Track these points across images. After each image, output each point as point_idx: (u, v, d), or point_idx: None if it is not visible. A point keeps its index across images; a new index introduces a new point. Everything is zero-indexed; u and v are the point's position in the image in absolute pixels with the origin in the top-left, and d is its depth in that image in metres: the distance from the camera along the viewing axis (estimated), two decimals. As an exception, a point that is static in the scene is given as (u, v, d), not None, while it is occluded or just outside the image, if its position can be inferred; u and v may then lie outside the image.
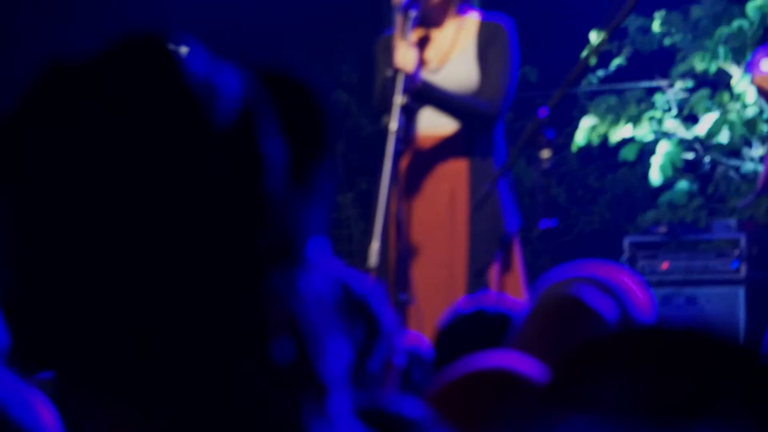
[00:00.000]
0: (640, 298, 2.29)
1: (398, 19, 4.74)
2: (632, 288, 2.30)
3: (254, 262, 1.02)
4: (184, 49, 1.05)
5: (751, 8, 8.00)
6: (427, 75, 4.81)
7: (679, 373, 1.05)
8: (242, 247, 1.02)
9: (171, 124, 1.02)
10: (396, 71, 4.65)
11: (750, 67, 4.68)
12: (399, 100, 4.61)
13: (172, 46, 1.05)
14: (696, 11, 8.36)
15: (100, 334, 1.02)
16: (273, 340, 1.04)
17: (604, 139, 8.39)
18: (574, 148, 8.55)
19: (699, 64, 8.12)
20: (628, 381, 1.04)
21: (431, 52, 4.91)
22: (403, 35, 4.70)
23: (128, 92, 1.03)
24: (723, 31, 8.07)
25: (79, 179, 1.02)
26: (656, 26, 8.42)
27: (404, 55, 4.65)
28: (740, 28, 8.05)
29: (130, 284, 1.01)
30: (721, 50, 8.00)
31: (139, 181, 1.01)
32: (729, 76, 8.21)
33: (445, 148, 4.84)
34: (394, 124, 4.58)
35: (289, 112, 1.06)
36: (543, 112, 4.49)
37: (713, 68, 8.16)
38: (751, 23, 8.04)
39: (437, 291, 4.72)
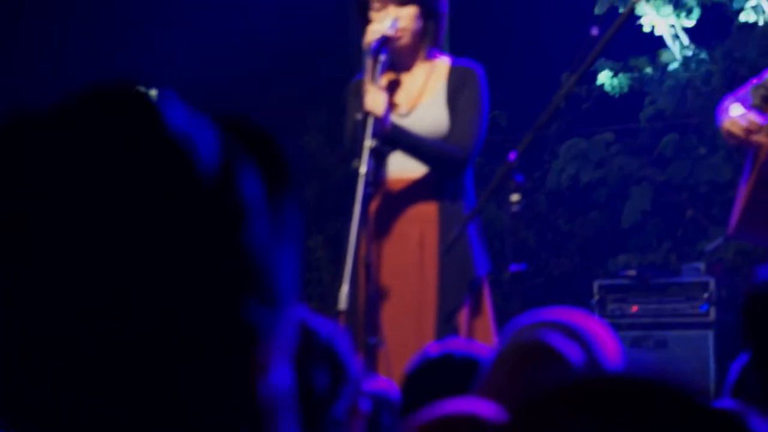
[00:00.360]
0: (608, 344, 2.29)
1: (368, 62, 4.75)
2: (600, 334, 2.30)
3: (238, 310, 1.04)
4: (162, 99, 1.06)
5: (719, 54, 8.07)
6: (397, 119, 4.82)
7: (635, 422, 1.05)
8: (229, 297, 1.04)
9: (155, 174, 1.03)
10: (366, 115, 4.65)
11: (718, 113, 4.71)
12: (368, 143, 4.62)
13: (151, 96, 1.06)
14: (665, 56, 8.42)
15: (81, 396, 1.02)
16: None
17: (574, 182, 8.42)
18: (548, 187, 8.59)
19: (668, 108, 8.18)
20: (588, 428, 1.04)
21: (402, 96, 4.92)
22: (373, 79, 4.71)
23: (111, 142, 1.03)
24: (692, 75, 8.14)
25: (59, 229, 1.02)
26: (625, 69, 8.48)
27: (374, 99, 4.66)
28: (708, 73, 8.11)
29: (111, 346, 1.02)
30: (689, 94, 8.06)
31: (124, 232, 1.02)
32: (698, 119, 8.27)
33: (415, 192, 4.84)
34: (363, 168, 4.58)
35: (258, 161, 1.08)
36: (512, 156, 4.50)
37: (681, 110, 8.21)
38: (719, 68, 8.10)
39: (406, 335, 4.71)
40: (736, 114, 4.55)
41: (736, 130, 4.49)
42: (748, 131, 4.47)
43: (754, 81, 4.80)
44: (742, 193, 4.62)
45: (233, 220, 1.04)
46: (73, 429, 1.02)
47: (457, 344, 2.88)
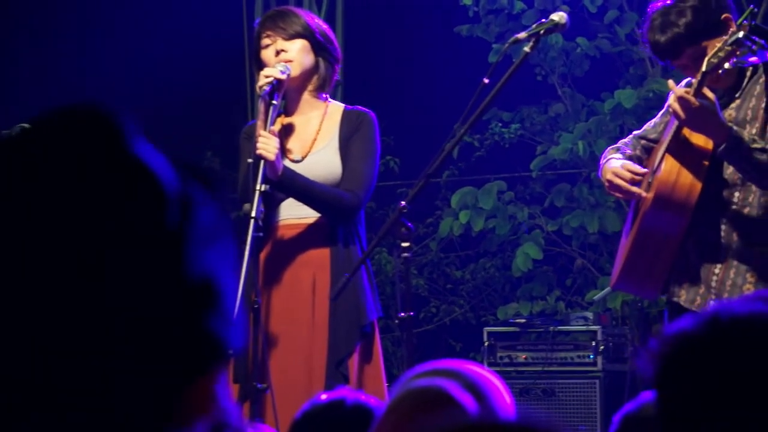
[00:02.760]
0: (501, 394, 2.30)
1: (260, 107, 4.74)
2: (493, 385, 2.31)
3: (202, 323, 1.11)
4: (125, 124, 1.12)
5: (608, 105, 8.19)
6: (290, 164, 4.81)
7: None
8: (193, 312, 1.11)
9: (125, 194, 1.08)
10: (257, 159, 4.63)
11: (600, 164, 4.77)
12: (259, 188, 4.60)
13: (117, 122, 1.11)
14: (555, 107, 8.54)
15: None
16: None
17: (466, 229, 8.47)
18: (439, 235, 8.62)
19: (558, 157, 8.27)
20: None
21: (295, 142, 4.91)
22: (265, 123, 4.69)
23: (80, 164, 1.08)
24: (581, 126, 8.25)
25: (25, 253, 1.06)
26: (517, 119, 8.57)
27: (265, 144, 4.65)
28: (597, 124, 8.23)
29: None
30: (580, 144, 8.16)
31: (101, 250, 1.07)
32: (589, 170, 8.37)
33: (308, 237, 4.83)
34: (253, 212, 4.56)
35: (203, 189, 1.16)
36: (403, 203, 4.51)
37: (572, 161, 8.31)
38: (607, 119, 8.23)
39: (296, 381, 4.68)
40: (616, 164, 4.60)
41: (617, 181, 4.54)
42: (632, 181, 4.52)
43: (635, 132, 4.87)
44: (623, 245, 4.67)
45: (191, 241, 1.10)
46: None
47: (347, 392, 2.86)
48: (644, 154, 4.70)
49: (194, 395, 1.12)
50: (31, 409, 1.06)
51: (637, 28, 8.33)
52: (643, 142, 4.73)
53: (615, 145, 4.82)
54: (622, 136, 8.43)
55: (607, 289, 7.65)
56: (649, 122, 4.88)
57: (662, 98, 8.22)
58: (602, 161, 4.71)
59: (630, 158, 4.66)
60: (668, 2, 4.44)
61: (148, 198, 1.10)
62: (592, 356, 7.04)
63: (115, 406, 1.07)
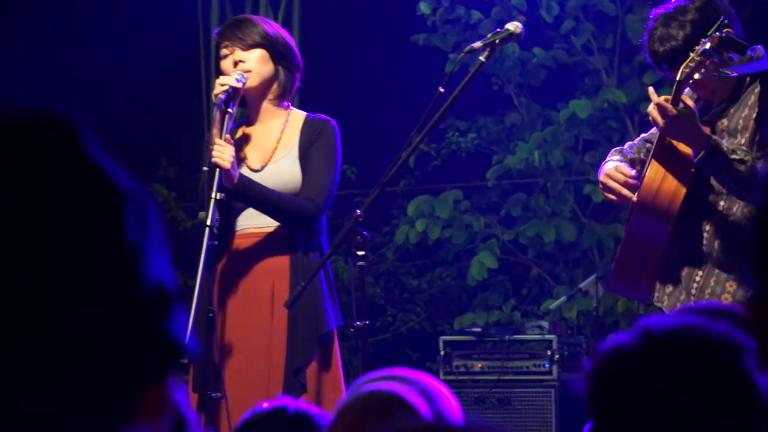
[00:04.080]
0: (449, 400, 2.31)
1: (216, 115, 4.72)
2: (441, 390, 2.31)
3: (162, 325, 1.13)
4: (81, 129, 1.13)
5: (563, 115, 8.22)
6: (251, 173, 4.79)
7: None
8: (150, 315, 1.13)
9: (84, 201, 1.08)
10: (213, 167, 4.62)
11: (600, 167, 4.72)
12: (214, 196, 4.58)
13: (76, 129, 1.12)
14: (511, 117, 8.56)
15: None
16: None
17: (422, 238, 8.48)
18: (395, 243, 8.62)
19: (514, 166, 8.30)
20: None
21: (256, 150, 4.89)
22: (221, 131, 4.67)
23: (38, 167, 1.08)
24: (536, 135, 8.28)
25: None
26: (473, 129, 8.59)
27: (220, 152, 4.63)
28: (553, 133, 8.26)
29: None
30: (536, 154, 8.19)
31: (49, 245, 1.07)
32: (545, 179, 8.40)
33: (267, 245, 4.81)
34: (208, 220, 4.53)
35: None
36: (359, 212, 4.51)
37: (528, 171, 8.34)
38: (563, 129, 8.26)
39: (254, 389, 4.65)
40: (610, 166, 4.59)
41: (610, 183, 4.54)
42: (624, 183, 4.51)
43: (642, 135, 4.84)
44: (619, 248, 4.67)
45: (147, 247, 1.12)
46: None
47: (288, 400, 2.85)
48: (648, 157, 4.69)
49: (147, 401, 1.12)
50: None
51: (593, 39, 8.37)
52: (648, 145, 4.72)
53: (619, 147, 4.81)
54: (578, 146, 8.49)
55: (563, 299, 7.68)
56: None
57: (617, 108, 8.28)
58: (603, 163, 4.70)
59: (632, 161, 4.65)
60: (670, 9, 4.43)
61: (107, 204, 1.10)
62: (547, 365, 7.05)
63: (66, 410, 1.07)
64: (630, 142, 4.82)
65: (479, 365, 7.20)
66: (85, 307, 1.08)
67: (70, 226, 1.08)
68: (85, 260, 1.08)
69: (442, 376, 7.07)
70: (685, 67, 4.22)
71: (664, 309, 4.52)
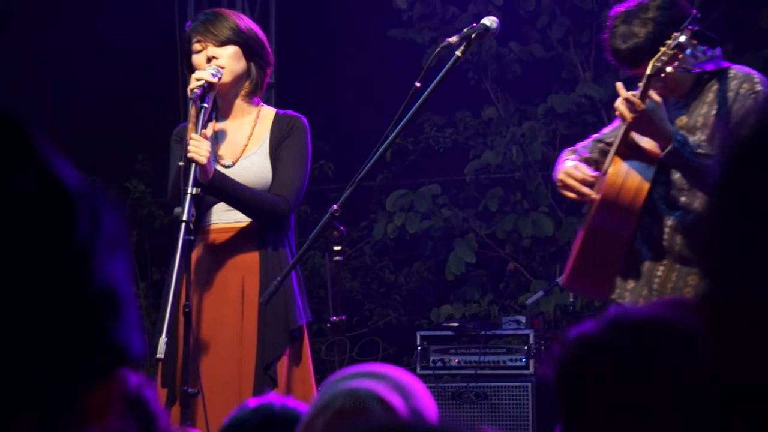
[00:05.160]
0: (425, 396, 2.31)
1: (191, 110, 4.71)
2: (417, 386, 2.32)
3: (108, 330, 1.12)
4: (36, 132, 1.12)
5: (540, 109, 8.24)
6: (222, 169, 4.78)
7: None
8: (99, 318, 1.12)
9: (33, 202, 1.07)
10: (188, 162, 4.61)
11: (555, 166, 4.75)
12: (190, 191, 4.57)
13: (26, 128, 1.11)
14: (488, 112, 8.57)
15: None
16: None
17: (400, 233, 8.48)
18: (374, 237, 8.62)
19: (492, 161, 8.30)
20: None
21: (227, 146, 4.89)
22: (196, 127, 4.66)
23: None
24: (514, 130, 8.29)
25: None
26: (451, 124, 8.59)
27: (196, 147, 4.62)
28: (530, 128, 8.27)
29: None
30: (514, 149, 8.20)
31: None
32: (522, 174, 8.41)
33: (238, 241, 4.81)
34: (184, 215, 4.53)
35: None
36: (335, 206, 4.51)
37: (506, 165, 8.35)
38: (540, 124, 8.27)
39: (225, 384, 4.66)
40: (569, 165, 4.61)
41: (569, 181, 4.55)
42: (583, 182, 4.53)
43: (594, 135, 4.87)
44: (575, 246, 4.69)
45: (97, 248, 1.11)
46: None
47: (275, 397, 2.85)
48: (601, 157, 4.72)
49: (92, 403, 1.11)
50: None
51: (569, 34, 8.38)
52: (600, 145, 4.74)
53: (573, 147, 4.83)
54: (555, 140, 8.50)
55: (540, 293, 7.69)
56: (608, 125, 4.89)
57: (594, 103, 8.30)
58: (558, 163, 4.72)
59: (586, 161, 4.67)
60: (632, 7, 4.43)
61: (57, 205, 1.09)
62: (524, 360, 7.06)
63: (5, 412, 1.07)
64: (582, 143, 4.84)
65: (456, 360, 7.20)
66: (23, 308, 1.06)
67: (12, 226, 1.06)
68: (27, 261, 1.07)
69: (419, 371, 7.08)
70: (656, 61, 4.22)
71: (626, 305, 4.53)
